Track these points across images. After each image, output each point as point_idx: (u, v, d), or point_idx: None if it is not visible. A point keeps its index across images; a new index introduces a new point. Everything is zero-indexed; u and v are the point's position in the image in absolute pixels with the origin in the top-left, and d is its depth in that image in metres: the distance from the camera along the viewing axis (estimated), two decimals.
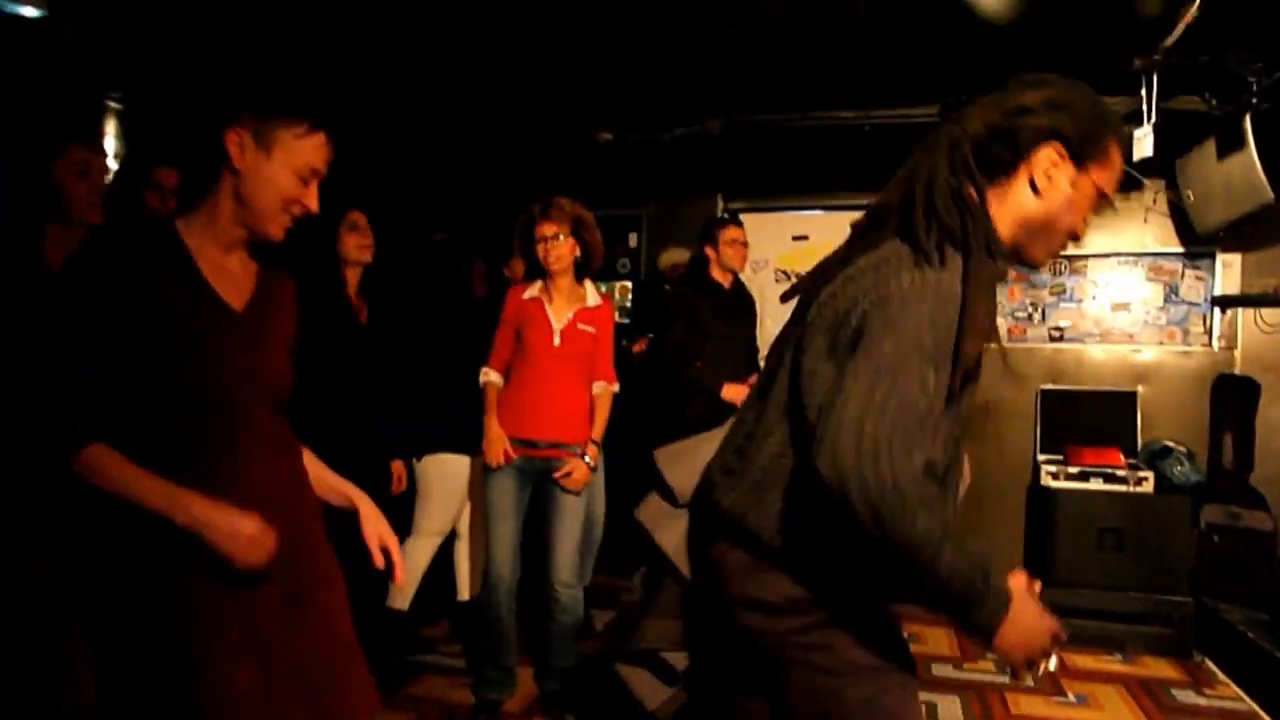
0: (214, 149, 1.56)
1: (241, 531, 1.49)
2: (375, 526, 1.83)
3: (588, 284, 3.40)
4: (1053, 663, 1.41)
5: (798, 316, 1.63)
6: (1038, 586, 1.45)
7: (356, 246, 3.40)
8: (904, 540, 1.30)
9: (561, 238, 3.25)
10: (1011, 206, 1.53)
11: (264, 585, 1.58)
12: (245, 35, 3.58)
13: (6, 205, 2.15)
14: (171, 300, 1.54)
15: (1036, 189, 1.51)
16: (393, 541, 1.83)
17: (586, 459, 3.26)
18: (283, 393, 1.70)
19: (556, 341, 3.27)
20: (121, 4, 3.46)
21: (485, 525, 3.37)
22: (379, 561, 1.81)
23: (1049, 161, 1.50)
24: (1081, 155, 1.50)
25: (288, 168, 1.59)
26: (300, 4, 3.49)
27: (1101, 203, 1.55)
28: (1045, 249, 1.57)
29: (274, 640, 1.61)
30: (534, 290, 3.35)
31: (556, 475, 3.24)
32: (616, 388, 3.44)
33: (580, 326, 3.31)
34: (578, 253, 3.31)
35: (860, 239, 1.57)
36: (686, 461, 1.80)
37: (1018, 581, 1.41)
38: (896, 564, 1.34)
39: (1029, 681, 1.44)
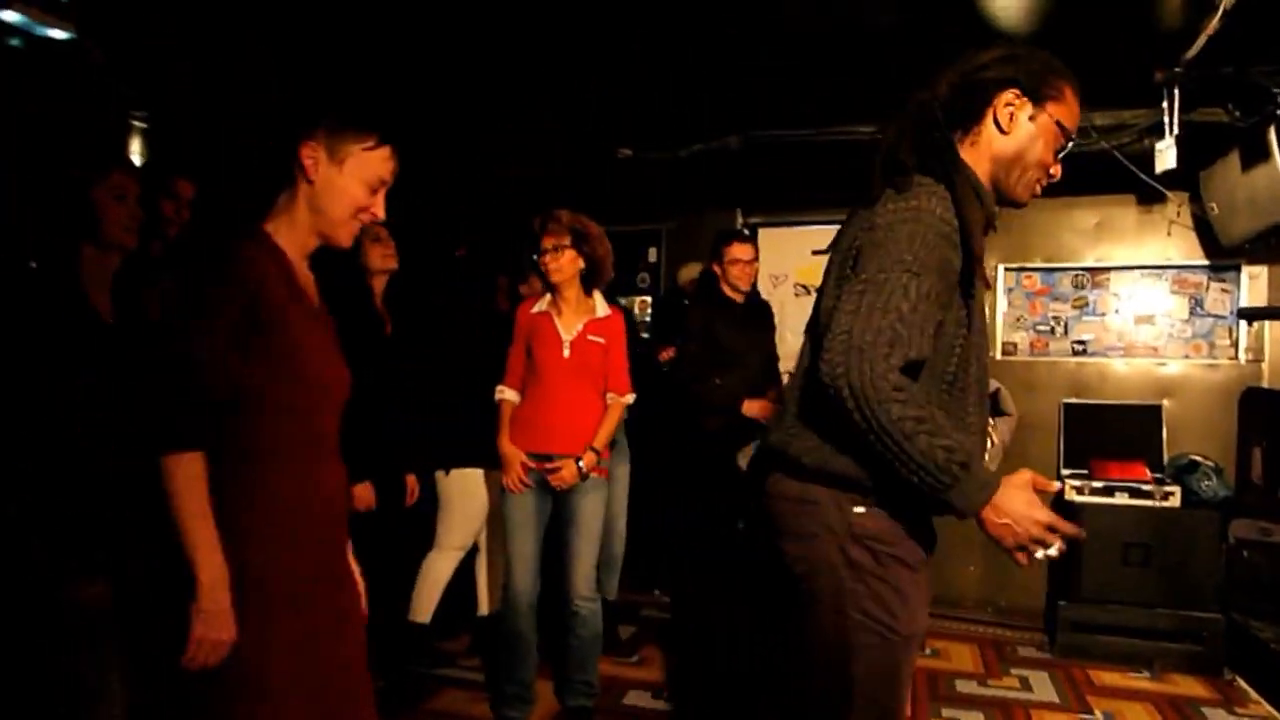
0: (288, 161, 1.69)
1: (222, 629, 1.54)
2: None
3: (597, 295, 3.39)
4: (1053, 550, 1.57)
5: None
6: (1054, 486, 1.64)
7: (381, 256, 3.45)
8: (880, 427, 1.50)
9: (561, 250, 3.25)
10: (983, 148, 1.75)
11: (321, 586, 1.69)
12: (254, 39, 3.61)
13: (42, 223, 2.19)
14: (278, 301, 1.63)
15: (1002, 128, 1.73)
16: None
17: (580, 463, 3.23)
18: (346, 397, 1.80)
19: (566, 353, 3.27)
20: (148, 23, 3.51)
21: (504, 540, 3.37)
22: None
23: (1008, 103, 1.72)
24: (1038, 95, 1.72)
25: (358, 179, 1.71)
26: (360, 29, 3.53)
27: (1063, 136, 1.74)
28: (1023, 184, 1.77)
29: (324, 642, 1.69)
30: (543, 304, 3.35)
31: (547, 477, 3.24)
32: (630, 399, 3.41)
33: (590, 338, 3.30)
34: (581, 264, 3.30)
35: (859, 202, 1.80)
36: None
37: (1020, 476, 1.58)
38: (878, 451, 1.53)
39: (1023, 562, 1.60)
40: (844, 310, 1.56)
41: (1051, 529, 1.55)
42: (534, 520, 3.31)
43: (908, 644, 1.72)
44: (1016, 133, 1.73)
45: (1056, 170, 1.78)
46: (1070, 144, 1.77)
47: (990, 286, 1.77)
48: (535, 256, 3.29)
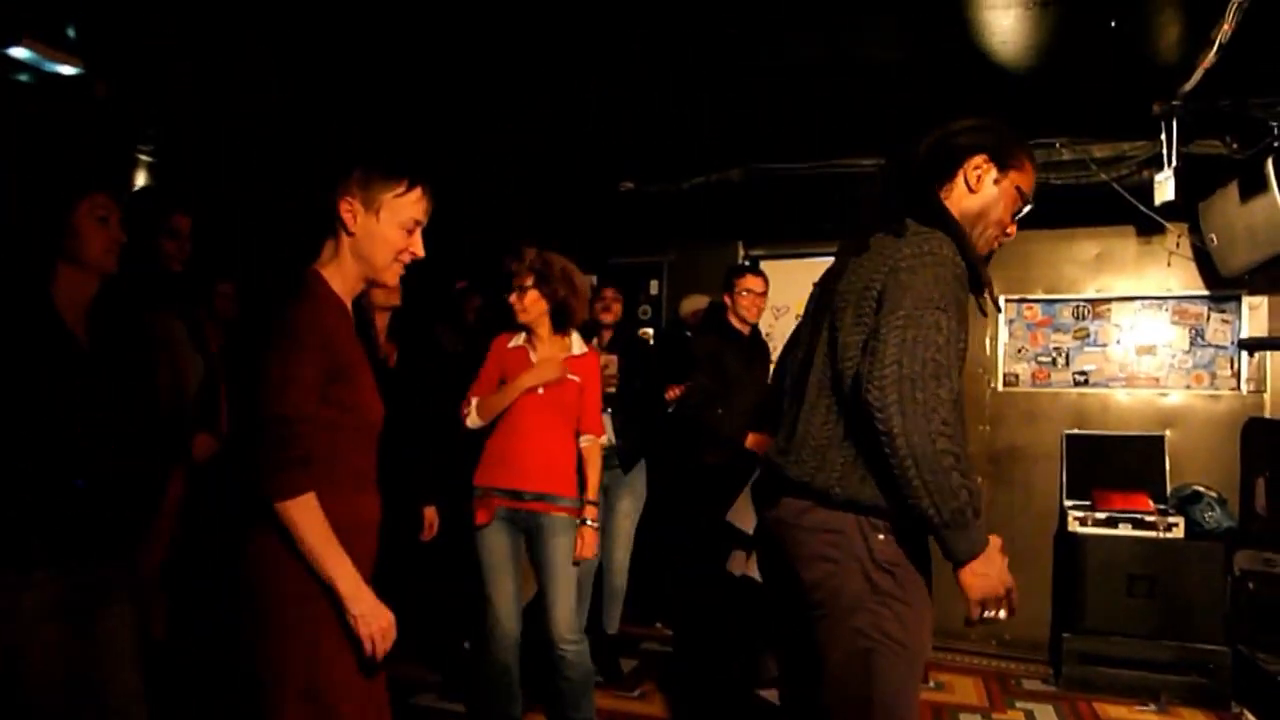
0: (329, 216, 1.87)
1: (377, 618, 1.73)
2: None
3: (574, 335, 3.33)
4: (1002, 613, 1.74)
5: (811, 316, 2.07)
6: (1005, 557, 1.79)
7: (384, 294, 3.44)
8: (924, 456, 1.64)
9: (525, 290, 3.20)
10: (953, 204, 1.96)
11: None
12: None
13: (24, 245, 2.13)
14: (343, 348, 1.81)
15: (970, 187, 1.96)
16: None
17: (589, 523, 3.17)
18: (380, 428, 1.94)
19: (540, 389, 3.20)
20: (154, 60, 3.55)
21: (483, 582, 3.23)
22: None
23: (977, 166, 1.95)
24: (1002, 162, 1.96)
25: (394, 224, 1.87)
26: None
27: (1021, 200, 1.98)
28: (983, 239, 1.98)
29: (360, 655, 1.81)
30: (518, 340, 3.31)
31: (575, 557, 3.17)
32: (604, 439, 3.34)
33: (566, 375, 3.24)
34: (545, 305, 3.22)
35: (850, 246, 1.99)
36: (750, 510, 2.14)
37: (995, 541, 1.75)
38: (908, 478, 1.66)
39: (976, 617, 1.74)
40: (888, 343, 1.70)
41: (1008, 594, 1.75)
42: (510, 558, 3.21)
43: (921, 662, 1.84)
44: (983, 193, 1.96)
45: (1012, 230, 2.02)
46: (1027, 208, 2.00)
47: (986, 314, 2.02)
48: (507, 295, 3.25)
